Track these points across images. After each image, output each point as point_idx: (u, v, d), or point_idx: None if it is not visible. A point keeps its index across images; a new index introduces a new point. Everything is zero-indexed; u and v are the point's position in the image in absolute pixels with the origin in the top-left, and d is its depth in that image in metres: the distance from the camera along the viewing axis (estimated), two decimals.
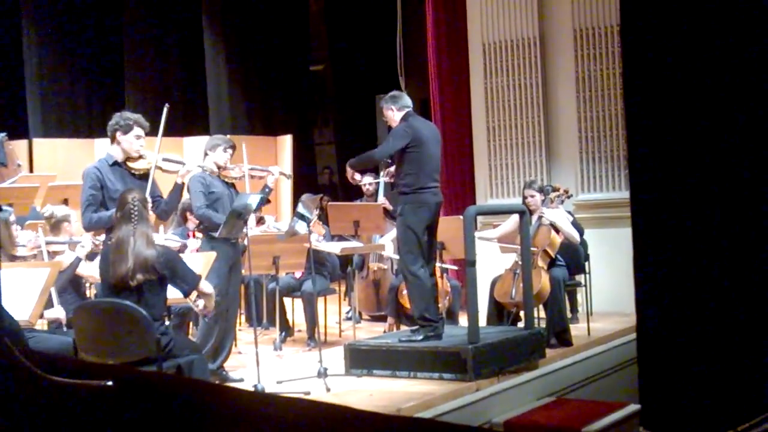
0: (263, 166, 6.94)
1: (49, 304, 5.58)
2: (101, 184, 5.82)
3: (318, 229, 8.56)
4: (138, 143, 5.93)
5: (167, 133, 6.34)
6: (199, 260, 5.82)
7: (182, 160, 6.24)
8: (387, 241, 8.61)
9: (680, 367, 2.55)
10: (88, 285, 6.70)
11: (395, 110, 6.50)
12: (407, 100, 6.58)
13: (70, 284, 6.10)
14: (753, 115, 2.50)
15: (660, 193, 2.62)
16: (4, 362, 1.96)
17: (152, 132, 6.18)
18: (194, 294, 5.33)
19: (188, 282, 5.19)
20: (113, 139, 5.97)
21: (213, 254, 6.08)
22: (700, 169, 2.55)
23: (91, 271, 6.13)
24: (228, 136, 11.35)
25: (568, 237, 7.54)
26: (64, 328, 5.79)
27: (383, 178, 8.57)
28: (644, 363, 2.67)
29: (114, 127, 5.94)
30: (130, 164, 5.96)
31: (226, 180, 6.59)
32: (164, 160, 6.11)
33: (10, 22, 12.19)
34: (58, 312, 5.72)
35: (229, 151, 6.57)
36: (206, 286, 5.35)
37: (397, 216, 6.50)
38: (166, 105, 6.12)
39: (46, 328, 6.28)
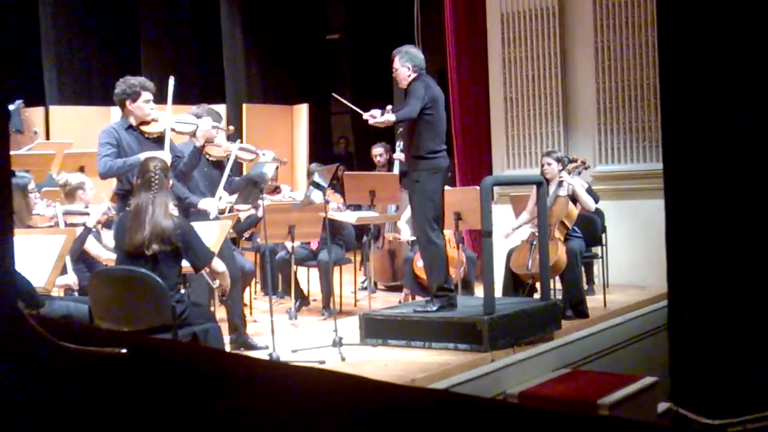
0: (255, 148, 6.73)
1: (63, 271, 5.59)
2: (117, 142, 5.83)
3: (336, 198, 8.55)
4: (148, 107, 5.93)
5: (182, 101, 6.33)
6: (214, 229, 5.80)
7: (195, 121, 6.20)
8: (403, 223, 8.54)
9: (715, 341, 2.51)
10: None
11: (410, 70, 6.33)
12: (422, 60, 6.40)
13: (81, 255, 6.11)
14: None
15: (694, 163, 2.57)
16: (17, 329, 1.95)
17: (162, 101, 6.17)
18: (206, 271, 5.33)
19: (201, 258, 5.17)
20: (123, 108, 5.95)
21: (228, 223, 6.07)
22: (735, 139, 2.50)
23: (98, 249, 6.14)
24: (244, 105, 11.41)
25: (584, 204, 7.51)
26: (76, 294, 5.80)
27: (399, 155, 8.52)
28: (675, 338, 2.63)
29: (121, 97, 5.92)
30: (143, 128, 5.95)
31: (208, 157, 6.47)
32: (177, 122, 6.11)
33: None
34: (71, 278, 5.73)
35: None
36: (218, 264, 5.32)
37: (412, 183, 6.39)
38: (171, 77, 6.07)
39: (61, 294, 6.31)
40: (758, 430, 2.40)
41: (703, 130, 2.56)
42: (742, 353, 2.48)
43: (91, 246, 6.13)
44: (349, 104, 7.13)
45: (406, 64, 6.36)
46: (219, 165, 6.56)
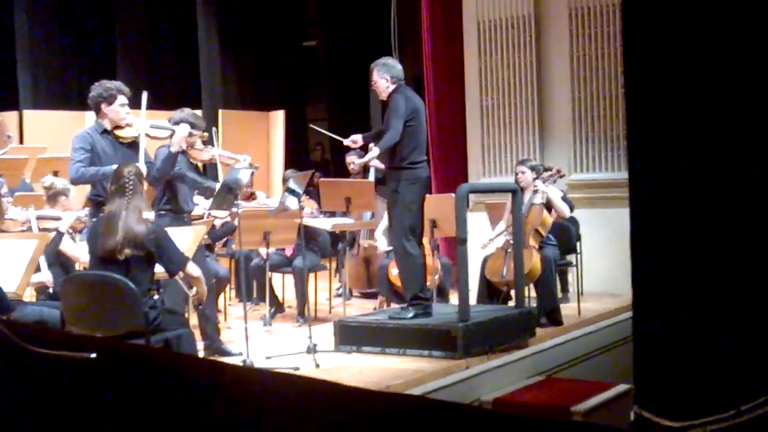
0: (233, 153, 6.71)
1: (36, 269, 5.55)
2: (91, 147, 5.80)
3: (310, 204, 8.53)
4: (124, 110, 5.92)
5: (158, 107, 6.31)
6: (188, 235, 5.77)
7: (170, 126, 6.17)
8: (379, 234, 8.52)
9: (678, 345, 2.53)
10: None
11: (389, 81, 6.32)
12: (400, 71, 6.40)
13: (56, 259, 6.05)
14: (758, 97, 2.46)
15: (658, 171, 2.59)
16: None
17: (136, 106, 6.15)
18: (181, 277, 5.30)
19: (175, 263, 5.14)
20: (98, 112, 5.93)
21: (203, 228, 6.04)
22: (701, 148, 2.52)
23: (75, 251, 6.08)
24: (220, 110, 11.37)
25: (558, 211, 7.54)
26: (50, 291, 5.75)
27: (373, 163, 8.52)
28: (639, 342, 2.65)
29: (97, 100, 5.91)
30: (118, 133, 5.93)
31: (192, 161, 6.45)
32: (152, 126, 6.08)
33: None
34: (45, 276, 5.68)
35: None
36: (193, 269, 5.27)
37: (390, 192, 6.38)
38: (145, 92, 6.08)
39: (34, 299, 6.25)
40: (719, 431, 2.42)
41: (666, 133, 2.58)
42: (703, 356, 2.51)
43: (68, 247, 6.08)
44: (328, 133, 7.18)
45: (384, 75, 6.35)
46: (202, 170, 6.54)
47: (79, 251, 6.12)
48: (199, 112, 7.11)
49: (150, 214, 5.73)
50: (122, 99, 5.93)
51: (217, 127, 10.79)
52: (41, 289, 5.94)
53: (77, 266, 6.07)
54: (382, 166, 7.45)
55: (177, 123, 6.23)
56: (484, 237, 7.81)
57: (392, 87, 6.32)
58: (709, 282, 2.50)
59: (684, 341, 2.52)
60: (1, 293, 4.75)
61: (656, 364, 2.58)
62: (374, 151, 6.17)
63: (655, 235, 2.60)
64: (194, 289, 5.37)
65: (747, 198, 2.47)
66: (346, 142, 6.35)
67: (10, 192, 6.53)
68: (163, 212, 6.23)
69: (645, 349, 2.63)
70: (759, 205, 2.45)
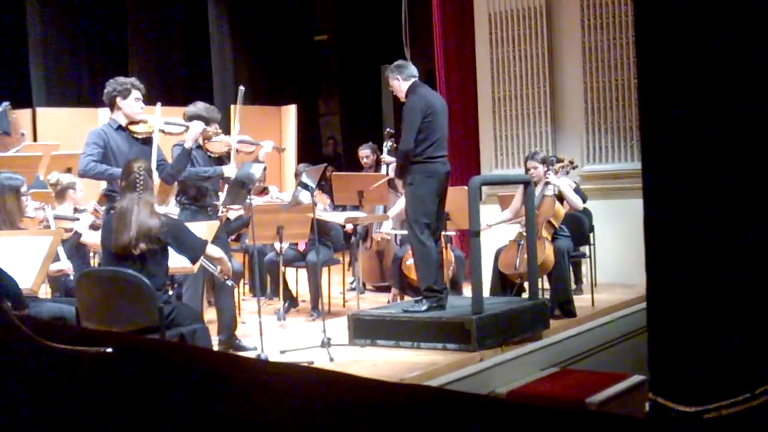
0: (254, 139, 6.76)
1: (55, 259, 5.60)
2: (105, 144, 5.84)
3: (322, 199, 8.54)
4: (138, 105, 5.96)
5: (170, 103, 6.35)
6: (201, 230, 5.78)
7: (185, 123, 6.20)
8: (391, 215, 8.56)
9: (691, 332, 2.53)
10: (92, 254, 6.69)
11: (401, 80, 6.39)
12: (413, 69, 6.47)
13: (76, 251, 6.10)
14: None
15: (671, 160, 2.59)
16: (2, 329, 1.94)
17: (150, 102, 6.20)
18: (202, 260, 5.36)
19: (195, 249, 5.19)
20: (113, 106, 5.98)
21: (216, 223, 6.06)
22: (715, 137, 2.51)
23: (95, 239, 6.12)
24: (233, 106, 11.39)
25: (571, 204, 7.51)
26: (71, 277, 5.80)
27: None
28: (653, 328, 2.65)
29: (112, 94, 5.96)
30: (132, 128, 5.97)
31: (210, 155, 6.47)
32: (166, 123, 6.11)
33: None
34: (65, 264, 5.75)
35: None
36: (214, 251, 5.37)
37: (406, 185, 6.41)
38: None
39: (49, 296, 6.29)
40: (733, 415, 2.43)
41: (679, 123, 2.57)
42: (716, 343, 2.51)
43: (90, 239, 6.13)
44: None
45: (396, 77, 6.42)
46: (220, 161, 6.55)
47: (98, 239, 6.16)
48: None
49: (162, 208, 5.75)
50: (137, 93, 5.99)
51: (230, 123, 10.83)
52: (59, 279, 5.98)
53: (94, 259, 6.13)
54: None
55: (191, 118, 6.26)
56: (493, 228, 7.77)
57: (407, 85, 6.36)
58: (722, 270, 2.50)
59: (697, 328, 2.52)
60: (17, 289, 4.77)
61: (670, 351, 2.58)
62: (393, 161, 6.40)
63: (668, 225, 2.60)
64: (218, 266, 5.44)
65: (761, 187, 2.47)
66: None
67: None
68: (186, 205, 6.30)
69: (659, 336, 2.64)
70: None
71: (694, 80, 2.56)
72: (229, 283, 5.87)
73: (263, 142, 6.72)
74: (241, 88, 6.58)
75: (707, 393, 2.47)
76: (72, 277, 5.80)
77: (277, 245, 7.70)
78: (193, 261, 5.27)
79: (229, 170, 6.34)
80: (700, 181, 2.53)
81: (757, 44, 2.49)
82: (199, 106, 6.43)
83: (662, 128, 2.62)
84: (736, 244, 2.48)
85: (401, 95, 6.43)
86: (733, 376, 2.45)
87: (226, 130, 6.87)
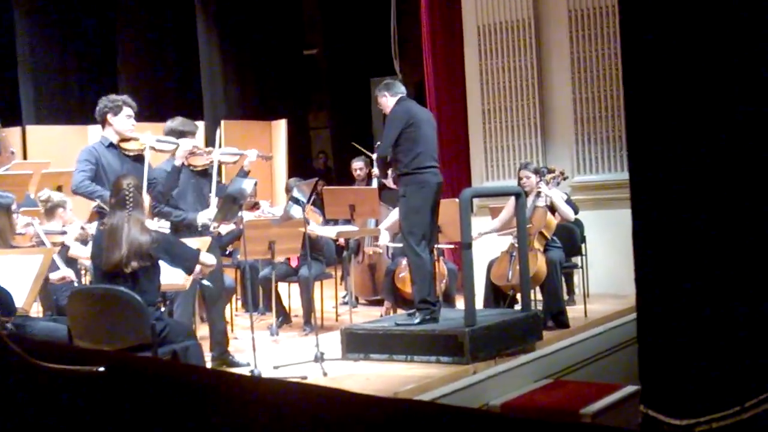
0: (238, 149, 6.73)
1: (54, 268, 5.59)
2: (96, 161, 5.83)
3: (315, 217, 8.53)
4: (129, 122, 5.96)
5: (159, 119, 6.35)
6: (194, 245, 5.77)
7: (175, 140, 6.19)
8: (383, 229, 8.55)
9: (681, 343, 2.54)
10: (83, 271, 6.67)
11: (389, 96, 6.49)
12: (401, 87, 6.58)
13: (67, 265, 6.08)
14: (758, 96, 2.47)
15: (659, 171, 2.60)
16: None
17: (142, 119, 6.21)
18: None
19: (188, 259, 5.18)
20: (104, 123, 5.98)
21: (208, 240, 6.05)
22: (701, 147, 2.52)
23: (84, 252, 6.11)
24: (223, 121, 11.40)
25: (563, 215, 7.53)
26: (75, 284, 5.79)
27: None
28: (644, 340, 2.65)
29: (104, 111, 5.96)
30: (123, 145, 5.96)
31: (192, 168, 6.38)
32: (158, 140, 6.11)
33: (2, 7, 12.12)
34: (66, 271, 5.75)
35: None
36: (207, 258, 5.36)
37: (399, 197, 6.44)
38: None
39: (41, 314, 6.27)
40: (723, 428, 2.43)
41: (666, 133, 2.59)
42: (707, 354, 2.51)
43: (79, 252, 6.13)
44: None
45: (384, 93, 6.54)
46: (204, 173, 6.49)
47: (87, 252, 6.15)
48: (201, 124, 7.17)
49: (153, 224, 5.74)
50: (128, 111, 5.99)
51: (219, 138, 10.82)
52: (51, 297, 5.97)
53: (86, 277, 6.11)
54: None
55: (168, 133, 6.26)
56: (485, 240, 7.78)
57: (394, 100, 6.46)
58: (711, 280, 2.51)
59: (687, 340, 2.53)
60: (8, 298, 4.76)
61: (661, 363, 2.58)
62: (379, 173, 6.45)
63: (656, 235, 2.60)
64: (198, 266, 5.34)
65: (748, 197, 2.47)
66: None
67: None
68: (177, 222, 6.25)
69: (650, 348, 2.64)
70: (760, 204, 2.45)
71: (678, 88, 2.58)
72: (206, 283, 5.85)
73: (247, 150, 6.68)
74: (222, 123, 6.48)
75: (698, 406, 2.47)
76: (76, 284, 5.81)
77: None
78: (189, 271, 5.26)
79: (203, 217, 6.20)
80: (688, 190, 2.54)
81: (742, 50, 2.50)
82: (177, 121, 6.40)
83: (648, 138, 2.64)
84: (725, 255, 2.48)
85: (387, 111, 6.50)
86: (724, 389, 2.45)
87: (217, 146, 6.83)
